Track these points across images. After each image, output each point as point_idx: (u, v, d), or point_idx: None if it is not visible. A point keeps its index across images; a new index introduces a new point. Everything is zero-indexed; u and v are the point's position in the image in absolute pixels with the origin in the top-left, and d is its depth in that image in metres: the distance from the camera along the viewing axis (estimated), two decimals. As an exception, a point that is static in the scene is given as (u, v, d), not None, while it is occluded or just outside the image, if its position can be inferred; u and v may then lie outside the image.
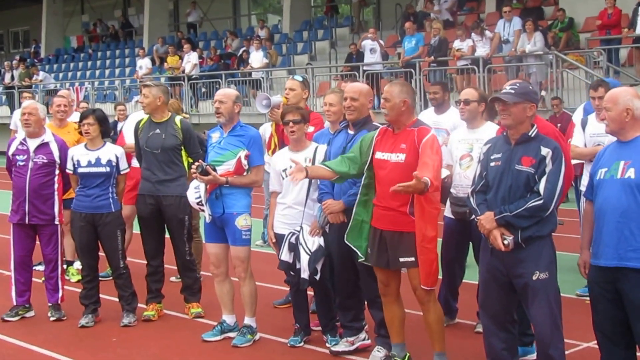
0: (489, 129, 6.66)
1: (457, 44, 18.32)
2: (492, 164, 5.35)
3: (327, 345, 6.67)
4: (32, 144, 7.63)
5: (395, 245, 5.77)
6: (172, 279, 8.84)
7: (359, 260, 6.06)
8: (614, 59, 17.01)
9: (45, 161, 7.57)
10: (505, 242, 5.15)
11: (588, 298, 5.23)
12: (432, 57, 18.40)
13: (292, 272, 6.60)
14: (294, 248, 6.51)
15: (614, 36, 17.35)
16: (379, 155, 5.86)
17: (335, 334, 6.72)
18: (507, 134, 5.37)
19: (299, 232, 6.54)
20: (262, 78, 22.35)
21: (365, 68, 19.93)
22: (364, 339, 6.61)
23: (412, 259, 5.70)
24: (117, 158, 7.43)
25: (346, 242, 6.07)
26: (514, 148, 5.28)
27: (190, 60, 24.51)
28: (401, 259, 5.76)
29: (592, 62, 17.22)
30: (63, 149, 7.69)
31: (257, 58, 23.21)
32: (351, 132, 6.43)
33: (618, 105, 4.94)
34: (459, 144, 6.82)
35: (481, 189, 5.41)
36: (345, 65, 21.71)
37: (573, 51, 17.84)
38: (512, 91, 5.28)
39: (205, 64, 25.78)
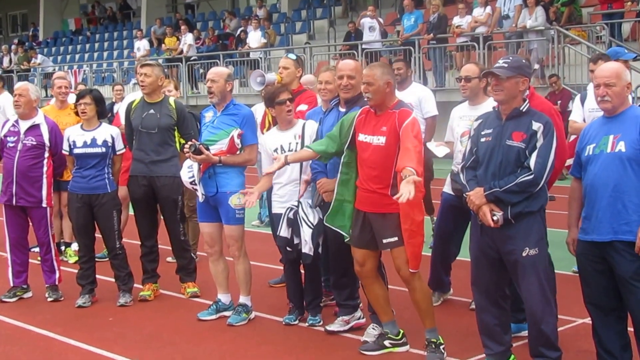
0: (491, 106, 6.65)
1: (456, 20, 18.32)
2: (483, 139, 5.36)
3: (307, 324, 6.74)
4: (24, 125, 7.69)
5: (378, 227, 5.80)
6: (168, 259, 8.90)
7: (345, 240, 6.08)
8: (617, 34, 17.00)
9: (35, 143, 7.62)
10: (495, 218, 5.17)
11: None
12: (432, 35, 18.42)
13: (289, 248, 6.64)
14: (293, 223, 6.55)
15: (616, 10, 17.33)
16: (361, 137, 5.87)
17: (316, 314, 6.80)
18: (499, 109, 5.38)
19: (297, 207, 6.57)
20: (260, 58, 22.36)
21: (364, 46, 19.94)
22: (359, 318, 6.66)
23: (396, 238, 5.72)
24: (112, 138, 7.47)
25: (325, 224, 6.12)
26: (505, 123, 5.29)
27: (187, 42, 24.49)
28: (385, 240, 5.79)
29: (594, 37, 17.21)
30: (54, 131, 7.73)
31: (255, 38, 23.21)
32: (343, 109, 6.45)
33: (622, 80, 4.98)
34: (460, 120, 6.79)
35: (471, 165, 5.43)
36: (344, 43, 21.71)
37: (575, 26, 17.82)
38: (506, 65, 5.28)
39: (203, 45, 25.75)
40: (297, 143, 6.63)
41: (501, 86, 5.26)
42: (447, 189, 6.93)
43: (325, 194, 6.39)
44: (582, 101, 7.91)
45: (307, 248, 6.52)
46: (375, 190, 5.77)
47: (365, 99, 5.91)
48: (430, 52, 18.61)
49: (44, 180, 7.66)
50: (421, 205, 5.71)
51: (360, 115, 5.97)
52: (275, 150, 6.67)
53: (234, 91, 7.16)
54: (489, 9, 17.86)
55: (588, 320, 5.50)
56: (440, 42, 18.59)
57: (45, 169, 7.68)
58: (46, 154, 7.68)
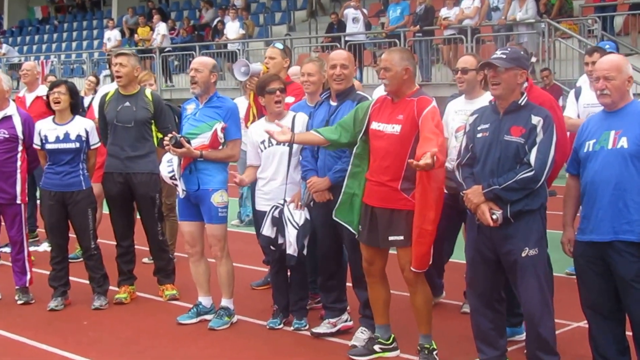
0: (488, 100, 6.65)
1: (444, 12, 18.35)
2: (480, 135, 5.34)
3: (292, 327, 6.72)
4: (-5, 117, 7.61)
5: (385, 223, 5.75)
6: (144, 260, 8.87)
7: (357, 237, 6.02)
8: (609, 28, 17.05)
9: (7, 136, 7.54)
10: (494, 216, 5.16)
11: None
12: (418, 27, 18.42)
13: (272, 247, 6.61)
14: (278, 223, 6.52)
15: (609, 3, 17.41)
16: (374, 125, 5.81)
17: (301, 317, 6.78)
18: (496, 103, 5.37)
19: (282, 205, 6.55)
20: (239, 50, 22.29)
21: (347, 38, 19.91)
22: (346, 320, 6.64)
23: (402, 237, 5.68)
24: (87, 132, 7.39)
25: (335, 218, 6.04)
26: (503, 118, 5.28)
27: (159, 32, 24.38)
28: (390, 238, 5.74)
29: (586, 31, 17.28)
30: (28, 123, 7.64)
31: (232, 29, 23.12)
32: (334, 103, 6.42)
33: (622, 73, 4.98)
34: (456, 115, 6.74)
35: (468, 162, 5.42)
36: (326, 35, 21.67)
37: (566, 19, 17.86)
38: (504, 56, 5.27)
39: (178, 36, 25.65)
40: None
41: (499, 78, 5.24)
42: None
43: (316, 194, 6.35)
44: (577, 96, 7.91)
45: (291, 249, 6.49)
46: (385, 183, 5.70)
47: (384, 86, 5.85)
48: (416, 45, 18.59)
49: (18, 176, 7.59)
50: (439, 203, 5.62)
51: (375, 103, 5.92)
52: (262, 142, 6.64)
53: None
54: (477, 0, 17.87)
55: (583, 323, 5.53)
56: (426, 35, 18.60)
57: (19, 163, 7.61)
58: (20, 148, 7.61)
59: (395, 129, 5.68)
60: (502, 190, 5.14)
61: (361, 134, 5.88)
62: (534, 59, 16.41)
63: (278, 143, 6.20)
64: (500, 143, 5.22)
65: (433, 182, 5.51)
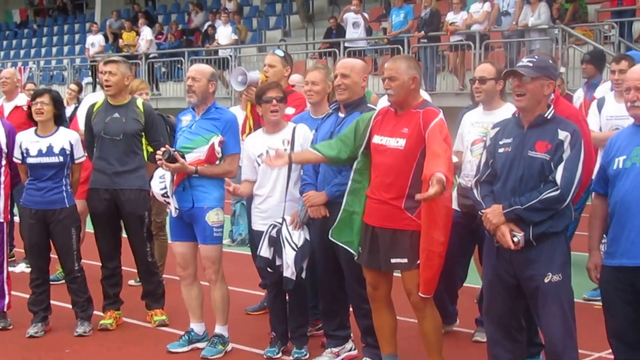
0: (508, 112, 6.57)
1: (450, 16, 18.32)
2: (501, 150, 5.28)
3: (291, 357, 6.63)
4: (-24, 128, 7.53)
5: (387, 245, 5.70)
6: (131, 282, 8.80)
7: (355, 259, 5.98)
8: (627, 34, 17.04)
9: (-11, 149, 7.46)
10: (515, 239, 5.10)
11: (598, 303, 5.22)
12: (423, 32, 18.39)
13: (270, 269, 6.54)
14: (275, 242, 6.46)
15: (626, 7, 17.39)
16: (376, 139, 5.77)
17: (301, 346, 6.69)
18: (520, 116, 5.31)
19: (280, 224, 6.48)
20: (230, 56, 22.28)
21: (346, 44, 19.89)
22: (350, 350, 6.58)
23: (405, 260, 5.64)
24: (71, 145, 7.31)
25: (331, 238, 6.00)
26: (527, 132, 5.22)
27: (145, 37, 24.36)
28: (393, 260, 5.69)
29: (602, 37, 17.25)
30: (12, 135, 7.55)
31: (224, 34, 23.11)
32: (342, 114, 6.36)
33: None
34: (472, 127, 6.70)
35: (487, 179, 5.36)
36: (324, 41, 21.66)
37: (581, 25, 17.84)
38: (530, 64, 5.21)
39: (166, 41, 25.62)
40: (285, 149, 6.51)
41: (524, 88, 5.19)
42: (453, 204, 6.81)
43: (311, 208, 6.29)
44: (599, 107, 7.87)
45: (289, 272, 6.43)
46: (387, 201, 5.66)
47: (388, 97, 5.81)
48: (420, 52, 18.56)
49: (1, 192, 7.51)
50: (447, 223, 5.59)
51: (377, 115, 5.87)
52: (259, 156, 6.58)
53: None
54: (487, 5, 17.85)
55: (605, 354, 5.49)
56: (432, 41, 18.58)
57: (2, 178, 7.52)
58: (3, 162, 7.50)
59: (400, 143, 5.65)
60: (524, 211, 5.08)
61: (362, 149, 5.85)
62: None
63: (290, 161, 6.11)
64: (524, 159, 5.16)
65: (440, 200, 5.43)
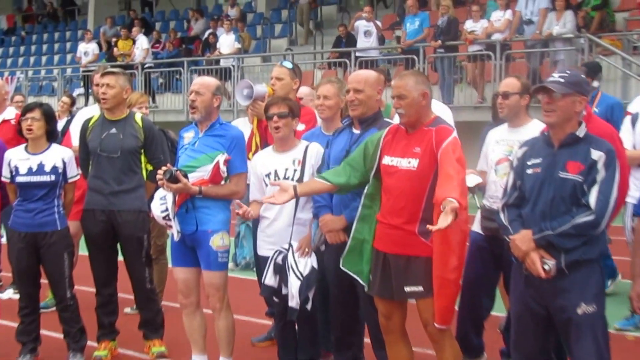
0: (535, 129, 6.53)
1: (469, 25, 18.35)
2: (530, 171, 5.27)
3: None
4: (-38, 145, 7.52)
5: (400, 272, 5.69)
6: (127, 310, 8.77)
7: (366, 290, 5.97)
8: (658, 43, 17.08)
9: (-23, 167, 7.44)
10: (546, 267, 5.07)
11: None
12: (440, 41, 18.41)
13: (275, 299, 6.52)
14: (281, 270, 6.44)
15: (658, 15, 17.42)
16: (387, 160, 5.77)
17: None
18: (549, 134, 5.29)
19: (287, 250, 6.46)
20: (233, 66, 22.33)
21: (357, 54, 19.94)
22: (365, 384, 6.55)
23: (420, 288, 5.62)
24: (64, 163, 7.28)
25: (342, 268, 5.99)
26: (558, 151, 5.21)
27: (139, 46, 24.43)
28: (407, 289, 5.68)
29: (630, 47, 17.26)
30: (2, 152, 7.53)
31: (226, 42, 23.18)
32: (357, 131, 6.34)
33: None
34: (497, 145, 6.70)
35: (515, 202, 5.34)
36: (333, 50, 21.68)
37: (608, 34, 17.86)
38: (562, 79, 5.20)
39: (164, 50, 25.66)
40: (295, 170, 6.51)
41: (554, 105, 5.17)
42: (477, 227, 6.81)
43: (329, 234, 6.25)
44: (633, 123, 7.85)
45: (293, 302, 6.42)
46: (400, 226, 5.65)
47: (399, 116, 5.79)
48: (437, 62, 18.61)
49: (-12, 213, 7.50)
50: (461, 248, 5.60)
51: (387, 135, 5.86)
52: (268, 176, 6.57)
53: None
54: (508, 12, 17.87)
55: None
56: (449, 51, 18.61)
57: (-9, 199, 7.50)
58: (-7, 181, 7.48)
59: (412, 163, 5.65)
60: (556, 237, 5.05)
61: (373, 172, 5.84)
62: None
63: (296, 195, 6.07)
64: (555, 181, 5.14)
65: (455, 223, 5.39)
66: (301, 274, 6.38)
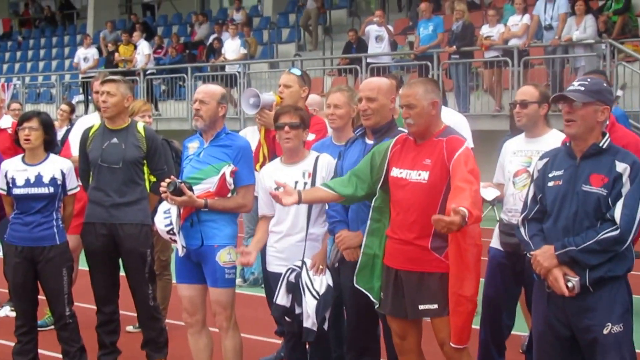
0: (555, 139, 6.54)
1: (485, 29, 18.33)
2: (551, 183, 5.26)
3: None
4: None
5: (413, 290, 5.69)
6: (129, 328, 8.76)
7: (376, 307, 5.98)
8: (683, 49, 17.04)
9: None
10: (570, 284, 5.06)
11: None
12: (454, 47, 18.38)
13: (288, 318, 6.49)
14: (294, 289, 6.41)
15: (683, 19, 17.38)
16: (395, 172, 5.78)
17: None
18: (571, 144, 5.29)
19: (300, 268, 6.44)
20: (238, 73, 22.32)
21: (369, 60, 19.93)
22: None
23: (435, 306, 5.62)
24: (63, 175, 7.29)
25: (356, 285, 5.99)
26: (580, 163, 5.20)
27: (142, 51, 24.47)
28: (421, 307, 5.68)
29: (655, 54, 17.23)
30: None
31: (231, 47, 23.19)
32: (370, 141, 6.33)
33: None
34: (514, 156, 6.71)
35: (535, 216, 5.33)
36: (344, 56, 21.69)
37: (631, 39, 17.81)
38: (582, 88, 5.19)
39: (166, 55, 25.71)
40: (305, 183, 6.50)
41: (575, 115, 5.17)
42: (495, 243, 6.79)
43: (347, 251, 6.25)
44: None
45: (309, 322, 6.39)
46: (412, 242, 5.66)
47: (407, 127, 5.80)
48: (452, 69, 18.58)
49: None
50: (477, 264, 5.59)
51: (395, 145, 5.87)
52: (277, 189, 6.49)
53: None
54: (526, 17, 17.84)
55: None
56: (464, 57, 18.57)
57: (-13, 211, 7.51)
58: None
59: (422, 176, 5.66)
60: (579, 253, 5.04)
61: (380, 183, 5.84)
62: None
63: (300, 200, 6.05)
64: (577, 194, 5.13)
65: (469, 238, 5.48)
66: (317, 293, 6.36)
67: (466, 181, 5.39)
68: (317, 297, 6.34)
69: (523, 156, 6.61)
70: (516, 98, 6.74)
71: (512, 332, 7.14)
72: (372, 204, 5.91)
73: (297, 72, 7.62)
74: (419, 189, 5.65)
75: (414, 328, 5.90)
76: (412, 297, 5.69)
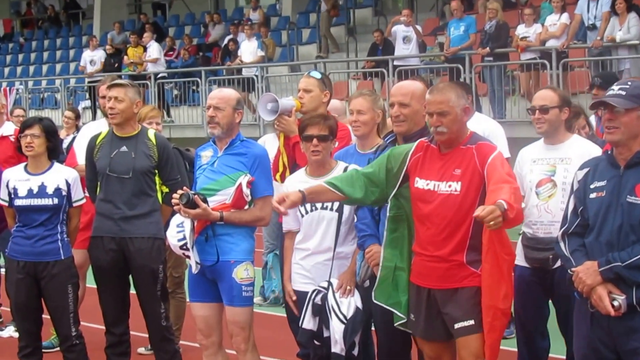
0: (577, 145, 6.58)
1: (521, 30, 18.28)
2: (593, 195, 5.25)
3: None
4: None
5: (449, 308, 5.68)
6: (141, 350, 8.78)
7: (397, 323, 5.98)
8: None
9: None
10: (615, 303, 5.04)
11: None
12: (488, 49, 18.36)
13: (316, 342, 6.49)
14: (321, 311, 6.42)
15: None
16: (420, 183, 5.77)
17: None
18: (613, 153, 5.28)
19: (326, 290, 6.45)
20: (256, 76, 22.37)
21: (396, 63, 19.92)
22: None
23: (472, 322, 5.61)
24: (68, 185, 7.32)
25: (375, 301, 6.01)
26: (625, 173, 5.19)
27: (152, 54, 24.57)
28: (457, 326, 5.65)
29: None
30: (-1, 172, 7.61)
31: (248, 49, 23.23)
32: None
33: None
34: (535, 165, 6.70)
35: (576, 231, 5.32)
36: (369, 59, 21.69)
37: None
38: (623, 92, 5.19)
39: (178, 58, 25.78)
40: None
41: (617, 121, 5.17)
42: (520, 260, 6.65)
43: (377, 267, 6.22)
44: None
45: (337, 348, 6.39)
46: (446, 258, 5.65)
47: (436, 135, 5.76)
48: (485, 72, 18.55)
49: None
50: (510, 275, 5.60)
51: (415, 152, 5.86)
52: (303, 204, 6.51)
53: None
54: (565, 16, 17.79)
55: None
56: (499, 59, 18.56)
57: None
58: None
59: (454, 187, 5.66)
60: (625, 269, 5.02)
61: (394, 191, 5.84)
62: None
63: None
64: (622, 206, 5.12)
65: (506, 246, 5.51)
66: (345, 317, 6.36)
67: (504, 181, 5.41)
68: (345, 321, 6.34)
69: (545, 164, 6.61)
70: (534, 103, 6.73)
71: (552, 355, 7.10)
72: (387, 214, 5.93)
73: (317, 75, 7.63)
74: (450, 201, 5.65)
75: (448, 349, 5.89)
76: (449, 316, 5.68)
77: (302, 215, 6.62)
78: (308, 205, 6.52)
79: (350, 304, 6.39)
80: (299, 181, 6.67)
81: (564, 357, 6.83)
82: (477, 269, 5.59)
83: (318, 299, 6.45)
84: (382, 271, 5.95)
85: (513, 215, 5.20)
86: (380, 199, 5.92)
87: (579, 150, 6.50)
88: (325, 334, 6.43)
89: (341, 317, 6.34)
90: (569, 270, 5.28)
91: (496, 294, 5.51)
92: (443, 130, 5.68)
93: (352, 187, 5.93)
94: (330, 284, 6.46)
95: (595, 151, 6.52)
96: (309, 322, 6.48)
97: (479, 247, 5.51)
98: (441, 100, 5.70)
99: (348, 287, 6.44)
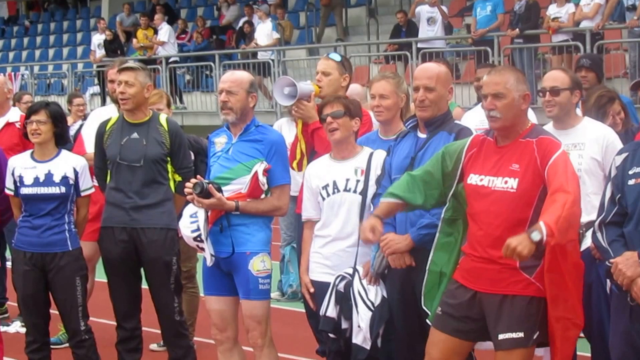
0: (591, 128, 6.55)
1: (552, 10, 18.21)
2: (632, 182, 5.22)
3: None
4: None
5: (495, 316, 5.56)
6: (153, 346, 8.79)
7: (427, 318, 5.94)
8: None
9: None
10: (659, 296, 5.02)
11: None
12: (517, 30, 18.29)
13: (332, 335, 6.46)
14: (342, 299, 6.37)
15: None
16: (474, 179, 5.66)
17: None
18: (652, 135, 5.24)
19: (351, 276, 6.40)
20: (272, 60, 22.38)
21: (420, 45, 19.89)
22: None
23: (521, 334, 5.46)
24: (76, 173, 7.34)
25: (424, 308, 5.92)
26: (665, 157, 5.16)
27: (163, 37, 24.64)
28: (502, 336, 5.51)
29: None
30: (1, 160, 7.63)
31: (264, 32, 23.26)
32: (422, 135, 6.31)
33: None
34: None
35: (614, 220, 5.29)
36: (392, 42, 21.65)
37: None
38: None
39: (190, 41, 25.80)
40: (357, 181, 6.49)
41: None
42: None
43: (392, 257, 6.20)
44: None
45: (360, 338, 6.33)
46: (497, 260, 5.48)
47: (491, 122, 5.64)
48: (515, 55, 18.47)
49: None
50: (580, 286, 5.48)
51: (470, 147, 5.75)
52: (325, 188, 6.54)
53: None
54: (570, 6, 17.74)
55: None
56: (529, 41, 18.49)
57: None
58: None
59: (510, 184, 5.52)
60: None
61: (452, 191, 5.77)
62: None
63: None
64: (662, 193, 5.08)
65: (570, 256, 5.37)
66: (372, 304, 6.30)
67: (563, 191, 5.20)
68: (372, 308, 6.28)
69: None
70: (544, 84, 6.69)
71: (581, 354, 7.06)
72: (443, 215, 5.83)
73: (337, 57, 7.62)
74: (505, 199, 5.50)
75: (458, 353, 5.81)
76: (494, 323, 5.56)
77: (323, 199, 6.59)
78: (329, 188, 6.50)
79: (377, 292, 6.35)
80: (323, 164, 6.69)
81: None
82: (530, 276, 5.45)
83: (341, 286, 6.40)
84: (429, 275, 5.87)
85: (554, 241, 5.05)
86: (439, 202, 5.83)
87: (593, 133, 6.47)
88: (344, 326, 6.39)
89: (369, 304, 6.29)
90: (607, 262, 5.24)
91: (563, 303, 5.39)
92: (496, 116, 5.52)
93: (410, 192, 5.85)
94: (356, 270, 6.41)
95: (611, 134, 6.49)
96: (332, 311, 6.42)
97: (539, 252, 5.27)
98: (498, 81, 5.57)
99: (373, 277, 6.38)
